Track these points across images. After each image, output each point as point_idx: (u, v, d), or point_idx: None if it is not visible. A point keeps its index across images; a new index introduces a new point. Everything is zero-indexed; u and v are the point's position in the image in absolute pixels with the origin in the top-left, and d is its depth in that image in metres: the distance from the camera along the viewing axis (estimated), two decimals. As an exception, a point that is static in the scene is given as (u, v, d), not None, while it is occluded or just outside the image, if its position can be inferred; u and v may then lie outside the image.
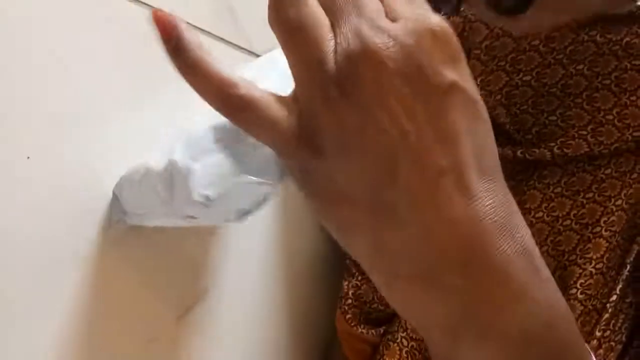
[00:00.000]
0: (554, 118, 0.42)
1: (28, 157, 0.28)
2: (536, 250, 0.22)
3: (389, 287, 0.22)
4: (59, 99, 0.30)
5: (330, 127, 0.21)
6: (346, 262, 0.48)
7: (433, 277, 0.21)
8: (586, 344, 0.23)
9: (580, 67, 0.40)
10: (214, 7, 0.40)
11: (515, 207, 0.22)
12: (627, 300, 0.41)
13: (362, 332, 0.46)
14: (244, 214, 0.31)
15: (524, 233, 0.22)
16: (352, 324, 0.46)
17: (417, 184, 0.20)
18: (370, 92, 0.20)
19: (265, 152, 0.29)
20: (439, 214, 0.20)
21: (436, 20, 0.21)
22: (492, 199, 0.21)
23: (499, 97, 0.42)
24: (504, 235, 0.21)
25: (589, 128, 0.41)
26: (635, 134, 0.40)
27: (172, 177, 0.30)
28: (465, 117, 0.21)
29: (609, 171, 0.41)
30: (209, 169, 0.29)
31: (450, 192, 0.20)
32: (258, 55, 0.39)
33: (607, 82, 0.40)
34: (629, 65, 0.39)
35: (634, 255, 0.41)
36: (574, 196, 0.42)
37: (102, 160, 0.32)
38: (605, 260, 0.40)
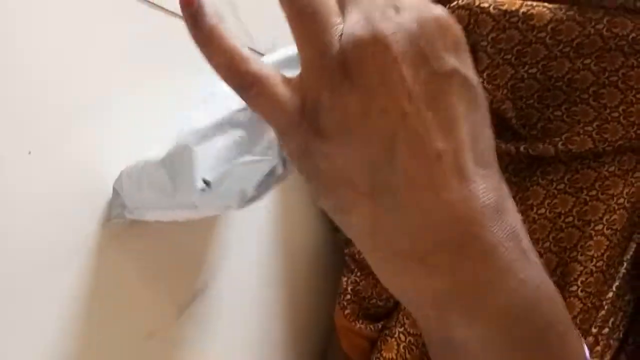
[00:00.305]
0: (559, 113, 0.43)
1: (29, 152, 0.29)
2: (525, 234, 0.24)
3: (385, 266, 0.24)
4: (60, 94, 0.31)
5: (334, 109, 0.22)
6: (345, 258, 0.49)
7: (427, 256, 0.22)
8: (573, 325, 0.25)
9: (587, 61, 0.42)
10: (214, 2, 0.41)
11: (507, 192, 0.24)
12: (626, 298, 0.43)
13: (360, 328, 0.47)
14: (246, 200, 0.31)
15: (514, 217, 0.23)
16: (351, 320, 0.47)
17: (414, 166, 0.22)
18: (374, 75, 0.22)
19: (269, 138, 0.30)
20: (434, 195, 0.22)
21: (439, 10, 0.23)
22: (485, 183, 0.22)
23: (505, 91, 0.43)
24: (495, 218, 0.22)
25: (594, 124, 0.42)
26: (639, 131, 0.41)
27: (174, 165, 0.31)
28: (463, 103, 0.23)
29: (612, 169, 0.43)
30: (209, 152, 0.30)
31: (447, 174, 0.22)
32: (259, 52, 0.40)
33: (614, 78, 0.41)
34: (635, 63, 0.40)
35: (631, 252, 0.42)
36: (577, 193, 0.43)
37: (103, 155, 0.33)
38: (605, 259, 0.42)
